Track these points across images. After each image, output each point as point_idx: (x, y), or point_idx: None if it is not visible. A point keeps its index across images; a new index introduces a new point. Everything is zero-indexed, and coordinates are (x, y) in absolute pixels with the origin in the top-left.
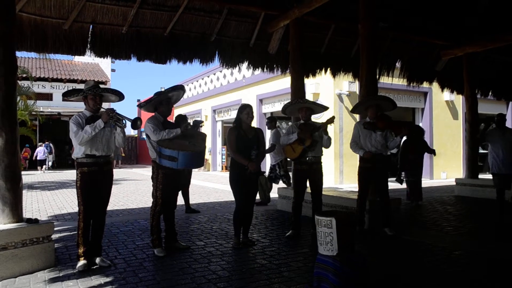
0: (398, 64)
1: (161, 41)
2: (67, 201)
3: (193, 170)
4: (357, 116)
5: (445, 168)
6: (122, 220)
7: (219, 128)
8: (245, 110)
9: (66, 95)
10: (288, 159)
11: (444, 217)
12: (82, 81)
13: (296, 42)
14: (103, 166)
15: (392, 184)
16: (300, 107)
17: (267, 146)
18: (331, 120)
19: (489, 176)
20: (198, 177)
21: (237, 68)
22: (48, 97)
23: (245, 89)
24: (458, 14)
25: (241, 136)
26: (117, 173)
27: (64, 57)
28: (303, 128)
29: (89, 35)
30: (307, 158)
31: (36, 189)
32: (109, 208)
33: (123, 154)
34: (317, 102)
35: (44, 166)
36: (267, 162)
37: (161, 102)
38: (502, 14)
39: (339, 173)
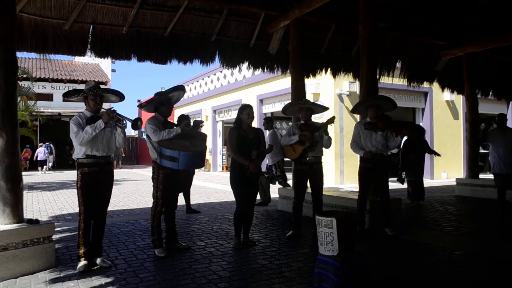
0: (398, 64)
1: (162, 42)
2: (67, 202)
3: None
4: (357, 116)
5: (445, 168)
6: (122, 221)
7: (219, 128)
8: (245, 110)
9: (67, 96)
10: (287, 160)
11: (444, 217)
12: (82, 82)
13: (297, 42)
14: (103, 167)
15: (393, 184)
16: (300, 107)
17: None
18: (331, 120)
19: (489, 176)
20: (198, 177)
21: (238, 68)
22: (48, 97)
23: (246, 89)
24: (458, 14)
25: (242, 136)
26: (118, 173)
27: (65, 58)
28: (304, 129)
29: (90, 36)
30: (308, 158)
31: (37, 189)
32: (109, 208)
33: (124, 155)
34: (317, 102)
35: (44, 167)
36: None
37: (162, 103)
38: (502, 14)
39: (340, 173)
